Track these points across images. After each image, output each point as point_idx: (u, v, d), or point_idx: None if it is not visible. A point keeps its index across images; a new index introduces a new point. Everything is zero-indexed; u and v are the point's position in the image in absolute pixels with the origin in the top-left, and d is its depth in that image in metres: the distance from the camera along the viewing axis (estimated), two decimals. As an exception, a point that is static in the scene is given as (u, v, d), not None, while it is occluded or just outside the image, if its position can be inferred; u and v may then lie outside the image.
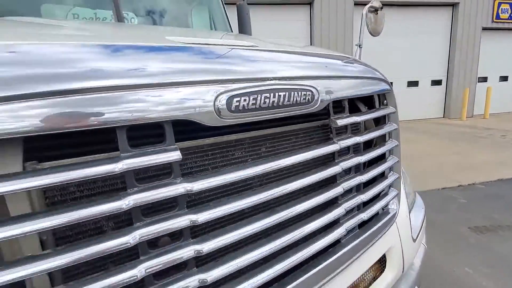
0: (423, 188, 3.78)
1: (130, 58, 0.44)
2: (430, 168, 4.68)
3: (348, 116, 0.70)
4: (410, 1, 9.81)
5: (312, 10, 9.04)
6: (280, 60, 0.62)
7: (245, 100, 0.49)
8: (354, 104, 0.86)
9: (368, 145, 0.88)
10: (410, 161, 5.01)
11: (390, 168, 0.89)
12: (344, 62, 0.74)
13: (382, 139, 0.87)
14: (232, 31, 2.48)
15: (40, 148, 0.39)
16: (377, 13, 1.49)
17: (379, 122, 0.88)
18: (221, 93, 0.46)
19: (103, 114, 0.37)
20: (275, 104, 0.53)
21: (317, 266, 0.64)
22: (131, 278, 0.40)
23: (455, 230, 2.77)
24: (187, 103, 0.44)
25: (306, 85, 0.58)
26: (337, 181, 0.69)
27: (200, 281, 0.46)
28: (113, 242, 0.39)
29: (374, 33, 1.56)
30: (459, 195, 3.54)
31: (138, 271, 0.41)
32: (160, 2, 2.22)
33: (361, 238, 0.75)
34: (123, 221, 0.46)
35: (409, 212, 1.11)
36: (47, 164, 0.40)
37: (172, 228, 0.44)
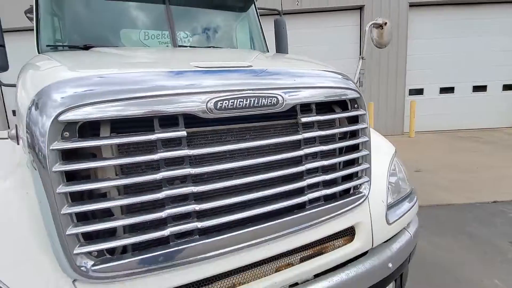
0: (472, 200, 3.54)
1: (163, 78, 0.80)
2: (486, 181, 4.28)
3: (312, 116, 0.96)
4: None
5: (362, 14, 8.88)
6: (260, 76, 0.92)
7: (226, 103, 0.81)
8: (330, 107, 1.11)
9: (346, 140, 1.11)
10: (465, 173, 4.61)
11: (362, 158, 1.10)
12: (314, 76, 1.01)
13: (353, 135, 1.10)
14: (265, 46, 2.81)
15: (119, 126, 0.78)
16: (382, 28, 1.66)
17: (351, 121, 1.10)
18: (211, 99, 0.79)
19: (144, 108, 0.74)
20: (247, 106, 0.84)
21: (283, 218, 0.92)
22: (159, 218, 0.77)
23: (495, 243, 2.61)
24: (191, 103, 0.78)
25: (273, 93, 0.88)
26: (302, 162, 0.96)
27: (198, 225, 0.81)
28: (146, 177, 0.75)
29: (379, 46, 1.72)
30: (510, 209, 3.24)
31: (164, 214, 0.77)
32: (207, 22, 2.69)
33: (324, 207, 1.00)
34: (153, 168, 0.82)
35: (396, 201, 1.28)
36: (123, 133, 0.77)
37: (181, 174, 0.78)
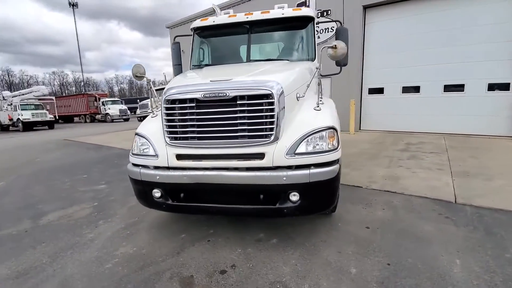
0: None
1: (191, 85, 2.48)
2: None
3: (241, 101, 2.35)
4: None
5: None
6: (224, 84, 2.41)
7: (206, 95, 2.39)
8: (258, 98, 2.40)
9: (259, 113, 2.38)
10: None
11: (274, 123, 2.35)
12: (248, 83, 2.36)
13: (267, 111, 2.36)
14: (315, 54, 3.90)
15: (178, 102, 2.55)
16: (336, 47, 2.54)
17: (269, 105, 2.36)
18: (203, 93, 2.40)
19: (184, 95, 2.46)
20: (215, 96, 2.37)
21: (230, 139, 2.42)
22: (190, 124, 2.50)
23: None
24: (197, 94, 2.42)
25: (225, 91, 2.36)
26: (236, 120, 2.38)
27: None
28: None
29: (335, 59, 2.59)
30: None
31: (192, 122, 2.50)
32: (273, 40, 4.14)
33: (245, 139, 2.38)
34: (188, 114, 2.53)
35: (300, 151, 2.38)
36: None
37: (193, 117, 2.46)
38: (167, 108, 2.54)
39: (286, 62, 3.56)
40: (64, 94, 59.65)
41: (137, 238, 3.08)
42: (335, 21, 4.49)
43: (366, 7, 9.87)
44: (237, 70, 3.18)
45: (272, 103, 2.35)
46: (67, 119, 31.99)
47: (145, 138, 2.76)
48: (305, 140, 2.42)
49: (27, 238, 3.19)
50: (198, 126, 2.48)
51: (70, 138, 13.44)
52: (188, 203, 2.65)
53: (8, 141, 14.37)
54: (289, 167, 2.39)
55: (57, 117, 25.70)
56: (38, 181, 5.78)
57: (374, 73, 10.25)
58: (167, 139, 2.58)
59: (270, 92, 2.34)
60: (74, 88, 73.59)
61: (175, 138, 2.57)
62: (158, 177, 2.57)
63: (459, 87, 8.74)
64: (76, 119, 31.92)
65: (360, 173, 5.14)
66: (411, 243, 2.73)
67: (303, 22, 3.91)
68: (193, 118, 2.48)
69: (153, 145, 2.67)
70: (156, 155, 2.62)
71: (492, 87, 8.28)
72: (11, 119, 21.42)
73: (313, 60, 3.85)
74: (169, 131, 2.57)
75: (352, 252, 2.61)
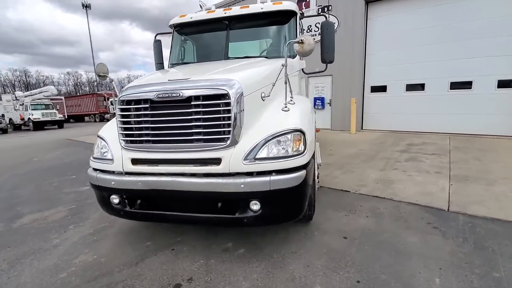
0: None
1: (148, 84, 2.31)
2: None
3: (196, 103, 2.16)
4: None
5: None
6: (179, 84, 2.23)
7: (159, 96, 2.21)
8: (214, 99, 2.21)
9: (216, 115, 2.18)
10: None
11: (232, 125, 2.15)
12: (203, 82, 2.17)
13: (224, 112, 2.16)
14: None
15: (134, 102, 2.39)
16: (302, 42, 2.31)
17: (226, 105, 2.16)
18: (156, 94, 2.22)
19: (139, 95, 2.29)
20: (168, 96, 2.19)
21: (184, 142, 2.23)
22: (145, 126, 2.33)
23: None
24: (150, 94, 2.25)
25: (178, 91, 2.17)
26: (191, 122, 2.20)
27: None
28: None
29: (303, 55, 2.36)
30: None
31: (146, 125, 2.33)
32: (253, 37, 3.92)
33: (201, 143, 2.19)
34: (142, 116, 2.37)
35: (254, 150, 2.17)
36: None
37: (146, 118, 2.29)
38: (121, 110, 2.39)
39: (262, 59, 3.35)
40: (78, 94, 61.15)
41: (102, 245, 2.95)
42: (321, 14, 4.24)
43: (368, 2, 9.48)
44: (205, 68, 2.99)
45: (228, 104, 2.15)
46: (78, 119, 32.69)
47: (104, 141, 2.62)
48: (267, 144, 2.21)
49: (-5, 242, 3.13)
50: (153, 128, 2.31)
51: (72, 138, 13.62)
52: (146, 211, 2.49)
53: (17, 140, 14.72)
54: (250, 174, 2.19)
55: (66, 117, 26.25)
56: (28, 181, 5.79)
57: (377, 71, 9.85)
58: (122, 142, 2.42)
59: (226, 92, 2.14)
60: (87, 88, 75.33)
61: (130, 142, 2.41)
62: (113, 183, 2.42)
63: (467, 85, 8.26)
64: (86, 118, 32.58)
65: (351, 176, 4.87)
66: (389, 256, 2.48)
67: (284, 16, 3.68)
68: (148, 120, 2.31)
69: (110, 148, 2.52)
70: (112, 159, 2.47)
71: (502, 84, 7.77)
72: (22, 119, 22.02)
73: (294, 57, 3.62)
74: (124, 134, 2.41)
75: (321, 266, 2.38)
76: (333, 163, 5.79)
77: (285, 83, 2.42)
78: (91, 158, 2.69)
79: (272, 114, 2.42)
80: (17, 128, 22.94)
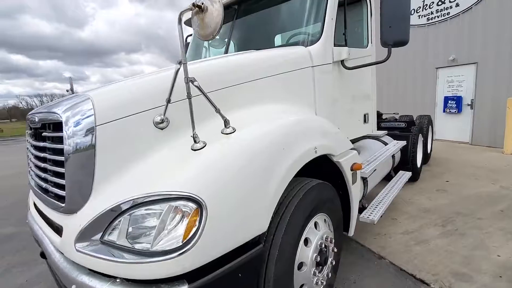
0: None
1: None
2: None
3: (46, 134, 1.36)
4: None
5: None
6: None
7: (30, 119, 1.55)
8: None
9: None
10: None
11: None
12: (55, 106, 1.33)
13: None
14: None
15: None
16: (202, 12, 1.03)
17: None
18: (30, 116, 1.59)
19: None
20: (33, 123, 1.51)
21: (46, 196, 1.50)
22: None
23: None
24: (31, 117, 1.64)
25: (35, 114, 1.44)
26: (40, 162, 1.41)
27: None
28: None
29: (204, 38, 1.06)
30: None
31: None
32: (257, 29, 2.78)
33: (49, 197, 1.38)
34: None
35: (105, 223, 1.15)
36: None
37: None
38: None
39: (250, 52, 2.17)
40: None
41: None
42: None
43: None
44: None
45: (60, 139, 1.23)
46: None
47: None
48: (122, 217, 1.14)
49: None
50: (30, 162, 1.71)
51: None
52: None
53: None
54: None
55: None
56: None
57: None
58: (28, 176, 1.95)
59: (57, 118, 1.23)
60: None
61: (29, 175, 1.91)
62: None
63: None
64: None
65: (455, 245, 2.71)
66: None
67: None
68: (28, 150, 1.73)
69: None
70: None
71: None
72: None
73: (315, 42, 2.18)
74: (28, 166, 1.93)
75: None
76: (437, 209, 3.56)
77: (188, 97, 1.22)
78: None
79: (164, 158, 1.29)
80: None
